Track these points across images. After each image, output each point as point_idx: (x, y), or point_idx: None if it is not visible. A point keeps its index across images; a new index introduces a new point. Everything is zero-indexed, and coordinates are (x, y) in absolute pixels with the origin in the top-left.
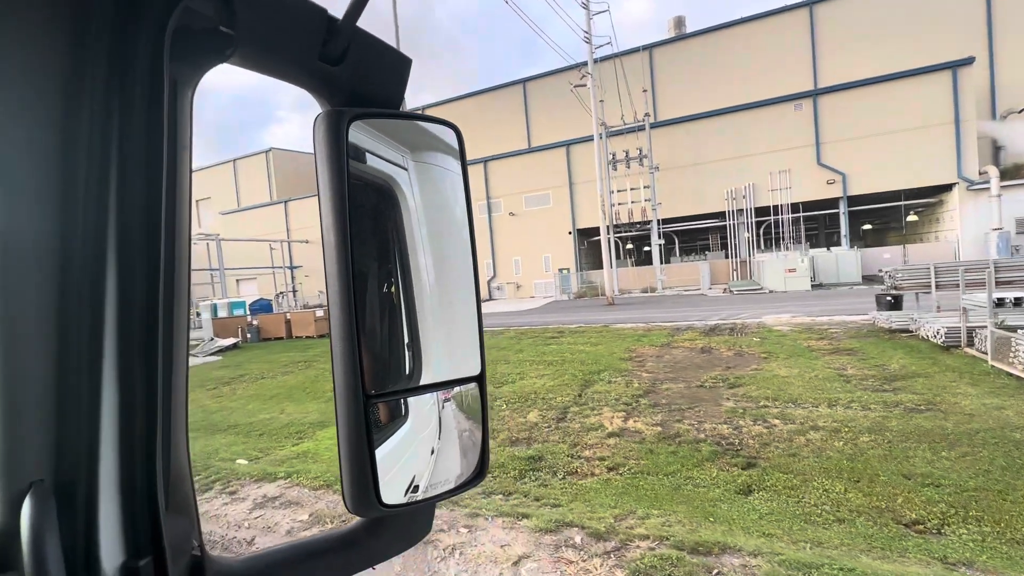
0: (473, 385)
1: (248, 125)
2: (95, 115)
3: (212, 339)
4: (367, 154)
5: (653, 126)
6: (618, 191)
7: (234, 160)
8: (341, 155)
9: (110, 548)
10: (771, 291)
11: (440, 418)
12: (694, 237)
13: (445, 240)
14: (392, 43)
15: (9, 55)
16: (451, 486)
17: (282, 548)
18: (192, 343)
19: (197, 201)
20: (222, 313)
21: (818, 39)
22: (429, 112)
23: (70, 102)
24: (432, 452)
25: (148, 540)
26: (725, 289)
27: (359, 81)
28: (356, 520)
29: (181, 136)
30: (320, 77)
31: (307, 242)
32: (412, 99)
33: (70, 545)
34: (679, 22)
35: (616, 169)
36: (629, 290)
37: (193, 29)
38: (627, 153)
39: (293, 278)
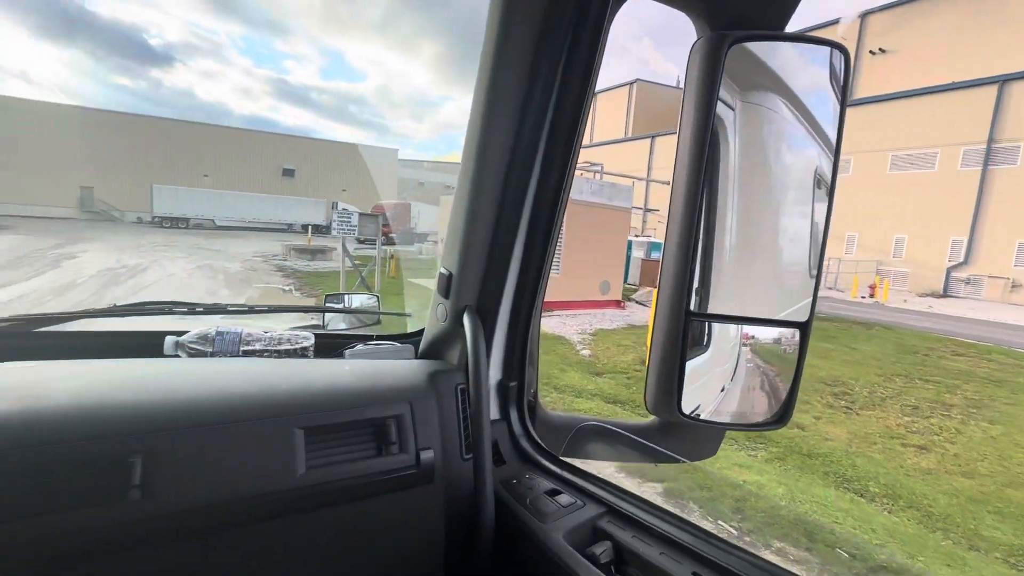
0: (794, 331)
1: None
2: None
3: (649, 291)
4: (739, 84)
5: None
6: None
7: (595, 94)
8: (715, 82)
9: (498, 364)
10: None
11: (739, 354)
12: None
13: (800, 181)
14: None
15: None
16: (748, 421)
17: (591, 418)
18: (624, 285)
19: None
20: (636, 253)
21: None
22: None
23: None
24: (723, 388)
25: (517, 369)
26: None
27: (744, 0)
28: (652, 419)
29: (597, 58)
30: None
31: (667, 183)
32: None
33: (484, 349)
34: None
35: None
36: None
37: None
38: None
39: (645, 221)
